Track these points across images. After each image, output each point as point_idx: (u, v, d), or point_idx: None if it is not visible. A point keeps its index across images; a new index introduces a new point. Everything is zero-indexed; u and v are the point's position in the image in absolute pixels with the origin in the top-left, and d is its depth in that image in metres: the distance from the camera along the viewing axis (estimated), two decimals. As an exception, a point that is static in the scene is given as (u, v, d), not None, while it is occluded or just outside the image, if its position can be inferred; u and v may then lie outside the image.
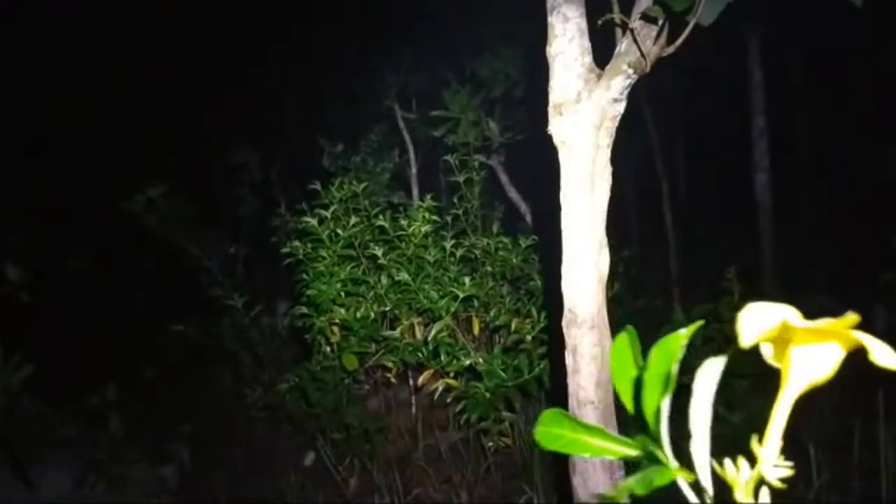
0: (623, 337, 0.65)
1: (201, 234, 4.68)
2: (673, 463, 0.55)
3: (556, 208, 2.10)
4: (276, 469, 4.18)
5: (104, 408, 4.05)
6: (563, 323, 2.12)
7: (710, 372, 0.56)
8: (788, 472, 0.51)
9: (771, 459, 0.52)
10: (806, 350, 0.50)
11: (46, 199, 6.51)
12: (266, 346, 4.05)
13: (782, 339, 0.51)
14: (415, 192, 6.02)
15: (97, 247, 6.39)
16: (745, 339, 0.50)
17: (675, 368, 0.55)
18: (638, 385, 0.61)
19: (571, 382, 2.11)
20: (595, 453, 0.62)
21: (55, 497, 4.01)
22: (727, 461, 0.53)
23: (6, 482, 3.77)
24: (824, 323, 0.48)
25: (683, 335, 0.57)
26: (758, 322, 0.50)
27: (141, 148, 6.19)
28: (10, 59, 5.79)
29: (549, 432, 0.63)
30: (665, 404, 0.56)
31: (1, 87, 5.83)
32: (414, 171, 6.00)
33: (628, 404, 0.62)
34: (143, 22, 6.06)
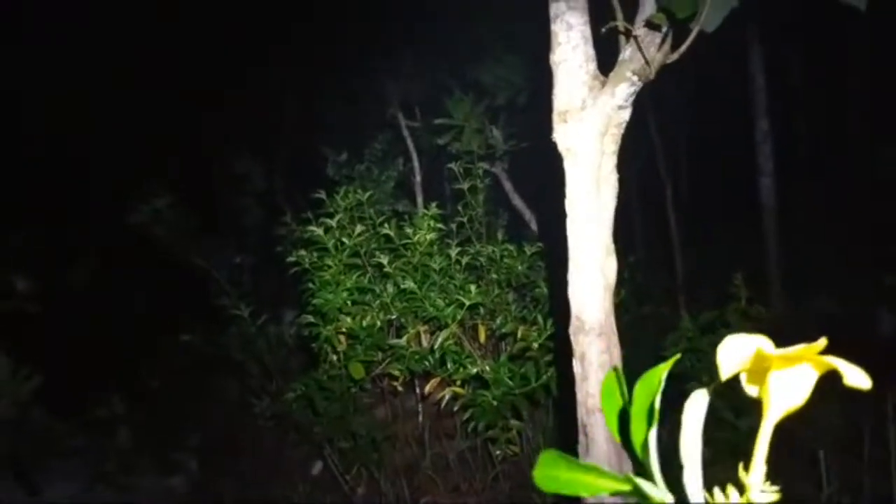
0: (611, 374, 0.67)
1: (206, 244, 4.69)
2: (666, 498, 0.55)
3: (560, 215, 2.10)
4: (283, 478, 4.17)
5: (111, 418, 4.06)
6: (571, 330, 2.12)
7: (697, 404, 0.57)
8: (775, 497, 0.52)
9: (758, 486, 0.53)
10: (782, 376, 0.52)
11: (52, 210, 6.53)
12: (273, 356, 4.05)
13: (759, 369, 0.53)
14: (419, 200, 6.02)
15: (103, 258, 6.42)
16: (724, 372, 0.52)
17: (657, 402, 0.57)
18: (623, 419, 0.62)
19: (580, 391, 2.11)
20: (591, 492, 0.62)
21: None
22: (717, 491, 0.54)
23: (12, 493, 3.77)
24: (797, 349, 0.50)
25: (663, 369, 0.60)
26: (734, 354, 0.53)
27: (145, 159, 6.22)
28: (15, 68, 5.84)
29: (547, 475, 0.64)
30: (652, 437, 0.57)
31: (7, 99, 5.88)
32: (418, 179, 6.01)
33: (617, 438, 0.63)
34: (144, 31, 6.10)
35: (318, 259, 3.73)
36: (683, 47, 1.99)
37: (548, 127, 2.09)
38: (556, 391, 3.43)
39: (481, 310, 3.90)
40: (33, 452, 3.78)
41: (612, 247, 2.09)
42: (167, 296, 6.02)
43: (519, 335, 3.77)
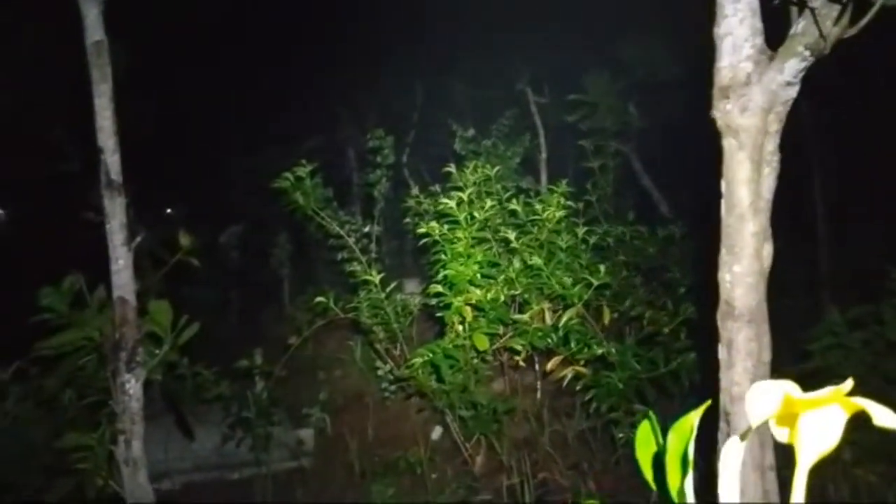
0: (645, 422, 0.67)
1: (339, 212, 4.88)
2: None
3: (698, 197, 2.04)
4: (405, 440, 4.34)
5: (251, 370, 4.36)
6: (718, 315, 2.05)
7: (733, 451, 0.57)
8: None
9: None
10: (811, 420, 0.52)
11: (210, 179, 7.18)
12: (398, 322, 4.19)
13: (788, 413, 0.52)
14: (543, 177, 5.98)
15: (251, 223, 7.00)
16: (754, 420, 0.52)
17: (691, 449, 0.58)
18: (657, 465, 0.63)
19: (724, 377, 2.05)
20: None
21: (206, 451, 4.39)
22: None
23: (167, 433, 4.15)
24: (823, 393, 0.49)
25: (694, 416, 0.60)
26: (762, 401, 0.52)
27: (286, 134, 6.66)
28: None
29: None
30: (688, 483, 0.57)
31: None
32: (544, 155, 5.96)
33: (653, 485, 0.64)
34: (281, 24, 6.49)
35: (448, 231, 3.80)
36: (864, 20, 1.86)
37: (692, 105, 2.02)
38: (694, 378, 3.34)
39: (607, 291, 3.84)
40: (183, 398, 4.13)
41: (769, 231, 2.00)
42: (304, 259, 6.42)
43: (647, 319, 3.70)
